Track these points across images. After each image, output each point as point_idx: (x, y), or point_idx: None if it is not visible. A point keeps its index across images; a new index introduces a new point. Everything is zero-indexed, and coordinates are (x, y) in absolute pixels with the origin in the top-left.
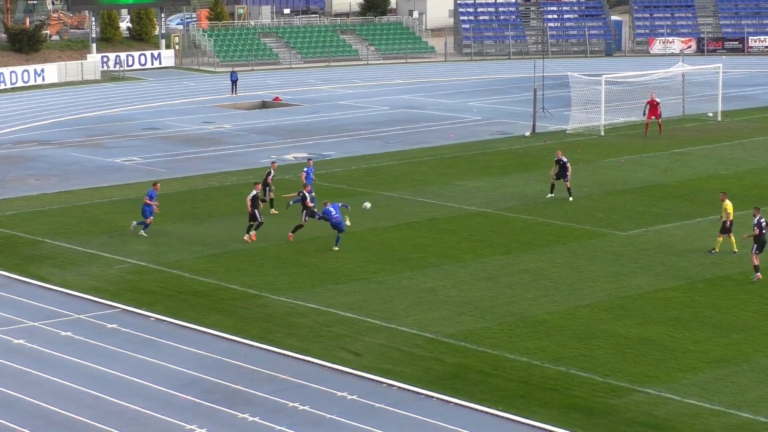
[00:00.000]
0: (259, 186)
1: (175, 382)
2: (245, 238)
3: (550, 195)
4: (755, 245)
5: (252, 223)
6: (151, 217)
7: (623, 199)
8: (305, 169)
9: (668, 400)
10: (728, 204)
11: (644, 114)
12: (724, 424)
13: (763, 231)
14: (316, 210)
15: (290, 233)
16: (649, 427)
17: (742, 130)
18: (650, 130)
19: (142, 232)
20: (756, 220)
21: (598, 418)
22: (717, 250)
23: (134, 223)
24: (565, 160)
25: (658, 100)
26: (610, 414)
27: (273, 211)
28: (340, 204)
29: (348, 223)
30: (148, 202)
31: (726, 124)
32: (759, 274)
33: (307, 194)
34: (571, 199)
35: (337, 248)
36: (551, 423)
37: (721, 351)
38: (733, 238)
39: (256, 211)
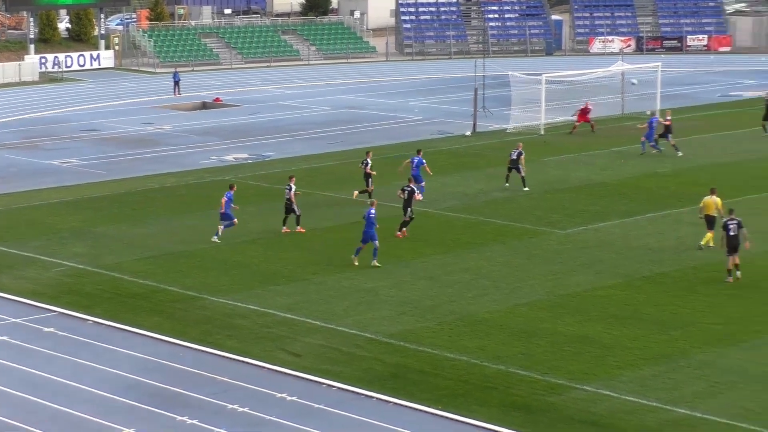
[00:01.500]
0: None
1: (114, 386)
2: (215, 237)
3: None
4: (726, 248)
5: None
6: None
7: (563, 198)
8: (413, 159)
9: (606, 397)
10: (714, 200)
11: (573, 115)
12: (662, 420)
13: (731, 233)
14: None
15: (398, 232)
16: (587, 424)
17: (680, 128)
18: (578, 130)
19: (215, 238)
20: (724, 222)
21: (537, 416)
22: (703, 244)
23: (221, 227)
24: (520, 151)
25: (591, 107)
26: (549, 411)
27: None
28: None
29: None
30: (231, 208)
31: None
32: (731, 278)
33: (415, 188)
34: (526, 188)
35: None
36: (491, 421)
37: (659, 348)
38: (711, 234)
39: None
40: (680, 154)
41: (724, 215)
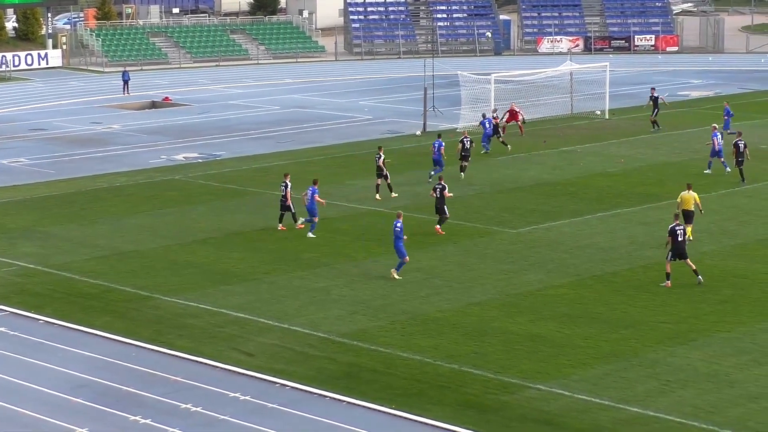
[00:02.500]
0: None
1: (66, 386)
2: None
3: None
4: (670, 252)
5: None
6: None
7: (513, 197)
8: (435, 143)
9: (559, 395)
10: (691, 194)
11: (502, 118)
12: (614, 419)
13: (679, 239)
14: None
15: (437, 227)
16: (540, 423)
17: (629, 127)
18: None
19: (310, 233)
20: (671, 227)
21: (490, 415)
22: (691, 238)
23: (301, 219)
24: (468, 139)
25: (518, 109)
26: (502, 410)
27: (393, 194)
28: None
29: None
30: (318, 199)
31: (613, 122)
32: (669, 282)
33: (446, 185)
34: (462, 175)
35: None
36: (444, 420)
37: (610, 346)
38: (690, 227)
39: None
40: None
41: (702, 209)
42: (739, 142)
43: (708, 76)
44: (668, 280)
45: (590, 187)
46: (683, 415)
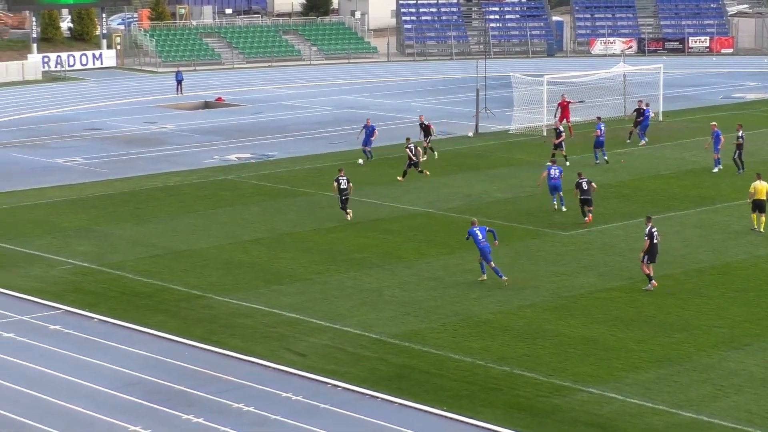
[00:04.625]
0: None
1: (119, 383)
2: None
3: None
4: (646, 255)
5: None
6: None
7: (566, 200)
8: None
9: (611, 399)
10: (763, 184)
11: (555, 116)
12: (667, 423)
13: (655, 241)
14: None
15: (586, 218)
16: (592, 426)
17: (682, 130)
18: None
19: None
20: (647, 229)
21: (541, 418)
22: (757, 228)
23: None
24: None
25: (569, 100)
26: (553, 413)
27: (426, 172)
28: (486, 228)
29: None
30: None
31: (667, 125)
32: (654, 282)
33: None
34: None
35: (484, 277)
36: (495, 423)
37: (664, 350)
38: (764, 218)
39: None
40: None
41: None
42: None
43: (763, 78)
44: (651, 281)
45: (643, 189)
46: (737, 420)
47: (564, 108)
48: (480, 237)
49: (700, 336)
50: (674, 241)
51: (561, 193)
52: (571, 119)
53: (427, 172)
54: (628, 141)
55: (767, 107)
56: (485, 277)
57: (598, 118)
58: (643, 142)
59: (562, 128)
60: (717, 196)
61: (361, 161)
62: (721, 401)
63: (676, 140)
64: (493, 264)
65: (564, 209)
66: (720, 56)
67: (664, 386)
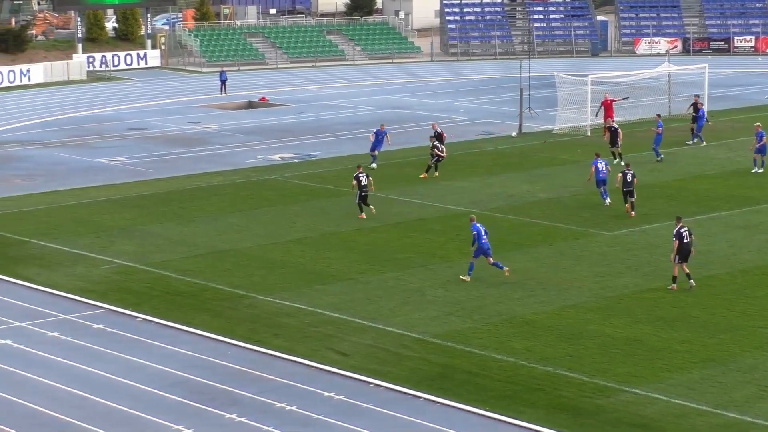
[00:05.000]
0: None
1: (162, 383)
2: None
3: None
4: (677, 256)
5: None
6: None
7: (609, 200)
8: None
9: (655, 400)
10: None
11: (596, 116)
12: (711, 424)
13: (685, 240)
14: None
15: (632, 211)
16: (636, 427)
17: (727, 130)
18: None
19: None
20: (675, 230)
21: (585, 418)
22: None
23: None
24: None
25: (612, 98)
26: (597, 414)
27: (422, 175)
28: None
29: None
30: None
31: (712, 125)
32: (692, 281)
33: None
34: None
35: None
36: (538, 423)
37: (708, 351)
38: None
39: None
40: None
41: None
42: None
43: None
44: (674, 283)
45: (688, 189)
46: None
47: (607, 107)
48: (483, 234)
49: (745, 336)
50: (719, 242)
51: (606, 186)
52: (614, 118)
53: (425, 176)
54: (692, 142)
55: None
56: (469, 279)
57: (658, 116)
58: (692, 141)
59: (616, 125)
60: (762, 197)
61: (374, 165)
62: (765, 402)
63: (721, 140)
64: (491, 259)
65: (609, 201)
66: (766, 56)
67: (708, 387)
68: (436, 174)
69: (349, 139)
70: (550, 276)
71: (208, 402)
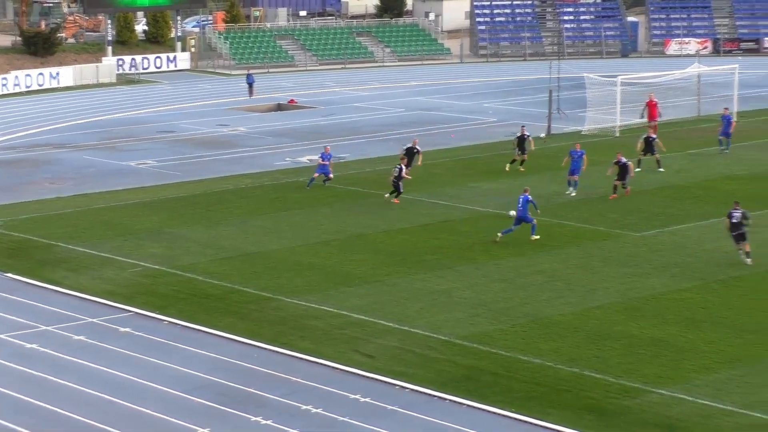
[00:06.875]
0: (404, 160)
1: (188, 386)
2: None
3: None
4: (730, 235)
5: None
6: None
7: (637, 200)
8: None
9: (681, 400)
10: None
11: (642, 116)
12: (738, 425)
13: (734, 221)
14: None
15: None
16: (662, 428)
17: (757, 130)
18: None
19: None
20: (729, 211)
21: (611, 419)
22: None
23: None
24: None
25: (656, 99)
26: (623, 415)
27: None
28: (531, 198)
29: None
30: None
31: (741, 125)
32: (748, 259)
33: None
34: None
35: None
36: (564, 424)
37: (735, 351)
38: None
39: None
40: None
41: None
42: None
43: None
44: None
45: (716, 190)
46: None
47: (652, 107)
48: (519, 205)
49: None
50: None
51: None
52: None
53: (408, 177)
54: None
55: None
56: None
57: (726, 109)
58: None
59: (654, 135)
60: None
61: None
62: None
63: (750, 140)
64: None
65: (574, 194)
66: None
67: (734, 387)
68: (394, 200)
69: (378, 141)
70: (578, 277)
71: (233, 405)
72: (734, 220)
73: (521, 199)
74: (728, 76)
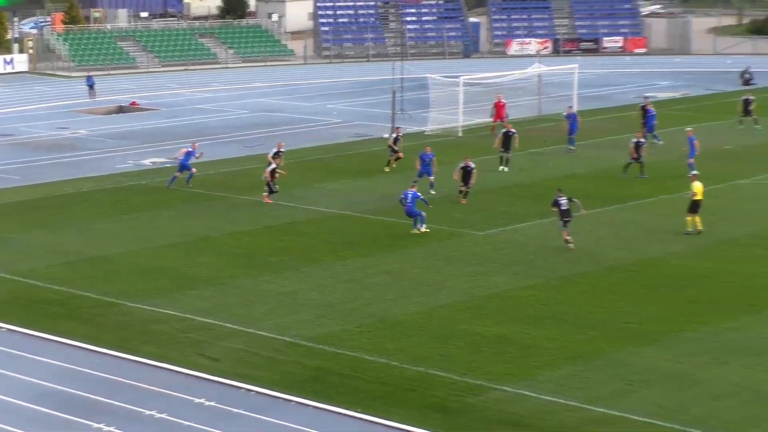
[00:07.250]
0: (277, 160)
1: (30, 394)
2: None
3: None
4: (560, 221)
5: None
6: None
7: (481, 200)
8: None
9: (525, 397)
10: (698, 185)
11: (491, 116)
12: (580, 419)
13: (563, 208)
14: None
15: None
16: (506, 424)
17: (596, 129)
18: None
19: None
20: (554, 199)
21: (455, 417)
22: (690, 230)
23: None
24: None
25: (504, 101)
26: (467, 412)
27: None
28: (420, 195)
29: None
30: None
31: (581, 124)
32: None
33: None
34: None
35: (423, 228)
36: (409, 423)
37: (576, 347)
38: (698, 218)
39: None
40: None
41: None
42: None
43: (675, 77)
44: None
45: (557, 188)
46: (648, 414)
47: (500, 108)
48: (407, 200)
49: (612, 332)
50: (587, 240)
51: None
52: (506, 119)
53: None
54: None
55: (678, 106)
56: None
57: (570, 108)
58: (659, 142)
59: (513, 130)
60: (629, 195)
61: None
62: (631, 396)
63: (590, 139)
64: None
65: (433, 192)
66: (633, 56)
67: (576, 382)
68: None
69: (222, 143)
70: (423, 276)
71: (76, 412)
72: (563, 207)
73: (409, 195)
74: (568, 75)
